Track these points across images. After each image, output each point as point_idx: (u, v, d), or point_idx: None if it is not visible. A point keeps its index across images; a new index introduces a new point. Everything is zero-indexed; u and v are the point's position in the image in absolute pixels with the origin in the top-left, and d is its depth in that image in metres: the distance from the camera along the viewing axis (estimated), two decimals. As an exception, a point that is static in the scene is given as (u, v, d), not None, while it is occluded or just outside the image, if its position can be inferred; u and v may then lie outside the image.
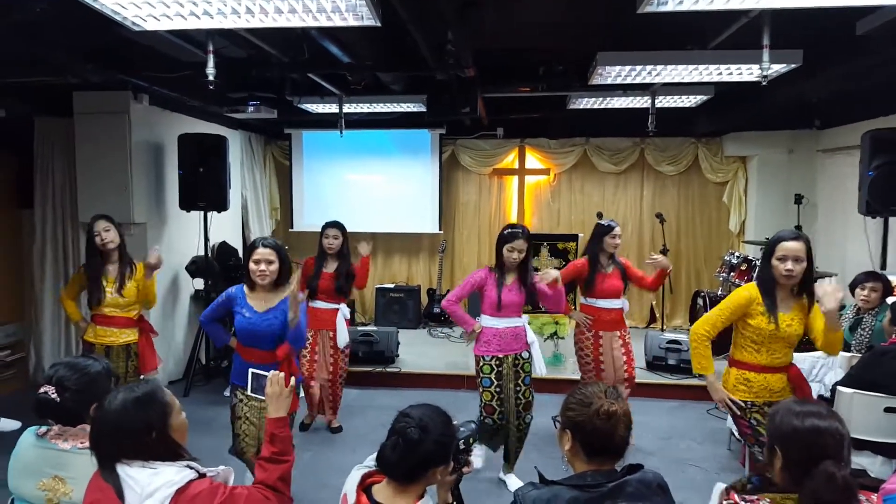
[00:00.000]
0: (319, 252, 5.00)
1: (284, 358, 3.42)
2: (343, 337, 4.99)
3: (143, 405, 1.82)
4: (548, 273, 3.91)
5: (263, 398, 2.28)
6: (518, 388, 4.07)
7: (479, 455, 2.09)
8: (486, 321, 4.07)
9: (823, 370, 4.19)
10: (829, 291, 2.86)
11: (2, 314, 5.96)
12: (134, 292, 4.25)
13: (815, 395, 4.02)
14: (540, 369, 4.19)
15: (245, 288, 3.48)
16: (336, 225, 4.98)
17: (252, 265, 3.38)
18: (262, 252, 3.38)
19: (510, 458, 4.23)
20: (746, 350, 3.18)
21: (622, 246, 4.84)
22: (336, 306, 4.98)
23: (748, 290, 3.17)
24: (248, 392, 2.43)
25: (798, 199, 7.28)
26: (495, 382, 4.03)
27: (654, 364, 6.26)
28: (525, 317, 4.19)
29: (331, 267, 4.96)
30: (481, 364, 4.06)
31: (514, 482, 4.15)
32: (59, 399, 2.06)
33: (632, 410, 1.86)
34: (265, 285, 3.41)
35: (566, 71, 5.54)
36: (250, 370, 2.43)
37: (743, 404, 3.18)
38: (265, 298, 3.43)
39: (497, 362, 4.04)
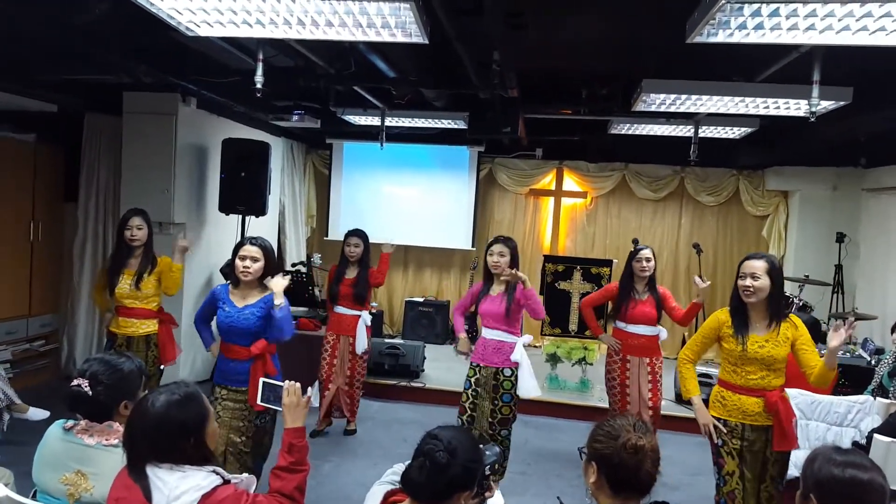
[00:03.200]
0: (342, 259, 5.17)
1: (259, 354, 3.46)
2: (362, 343, 5.11)
3: (184, 409, 1.84)
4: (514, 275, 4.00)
5: (277, 408, 2.28)
6: (495, 403, 4.08)
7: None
8: (483, 331, 4.23)
9: (860, 415, 4.05)
10: (838, 330, 2.89)
11: (39, 304, 6.08)
12: (153, 286, 4.32)
13: (849, 442, 3.89)
14: (525, 391, 4.06)
15: (230, 286, 3.59)
16: (358, 233, 5.14)
17: (238, 261, 3.48)
18: (248, 249, 3.48)
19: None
20: (725, 370, 3.27)
21: (658, 274, 4.75)
22: (358, 313, 5.12)
23: (719, 315, 3.30)
24: (259, 402, 2.44)
25: (840, 238, 7.11)
26: (472, 387, 4.16)
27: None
28: (526, 337, 4.15)
29: (352, 273, 5.13)
30: (469, 368, 4.25)
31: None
32: (90, 392, 2.09)
33: (658, 443, 1.82)
34: (249, 282, 3.49)
35: (609, 95, 5.51)
36: (261, 380, 2.44)
37: (722, 425, 3.20)
38: (246, 295, 3.52)
39: (477, 369, 4.17)
